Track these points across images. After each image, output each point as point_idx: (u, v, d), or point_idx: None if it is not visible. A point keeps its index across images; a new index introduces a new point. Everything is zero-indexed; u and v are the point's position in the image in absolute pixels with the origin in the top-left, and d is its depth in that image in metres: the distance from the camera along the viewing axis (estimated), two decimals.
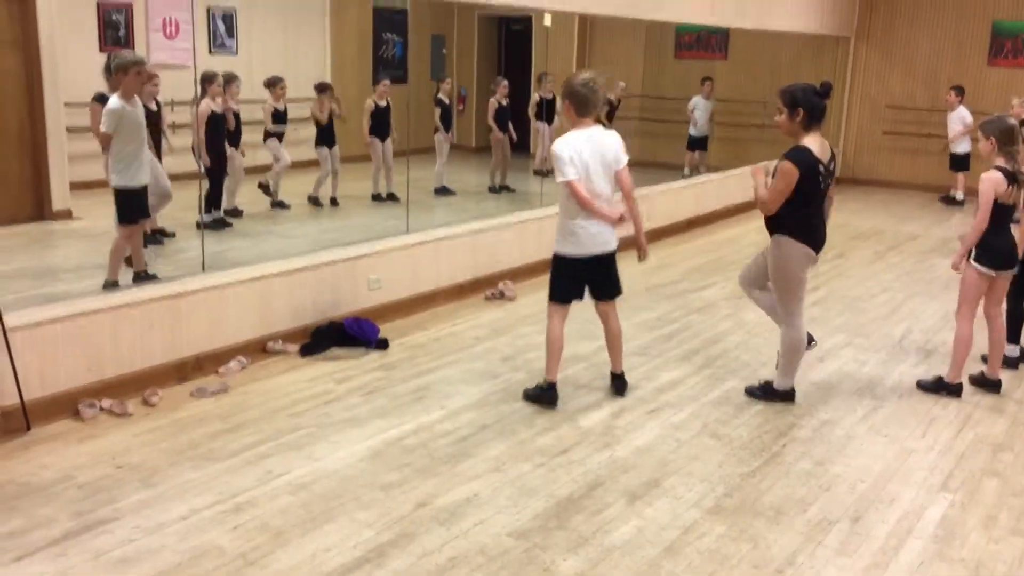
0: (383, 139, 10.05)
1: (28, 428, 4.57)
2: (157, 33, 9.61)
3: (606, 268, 5.06)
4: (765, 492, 4.16)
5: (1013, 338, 5.89)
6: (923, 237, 10.36)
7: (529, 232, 7.93)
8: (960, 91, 12.08)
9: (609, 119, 11.67)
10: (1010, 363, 5.87)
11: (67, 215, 7.86)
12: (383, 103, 10.04)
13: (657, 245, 9.78)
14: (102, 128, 5.79)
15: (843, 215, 11.67)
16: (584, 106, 4.79)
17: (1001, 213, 5.21)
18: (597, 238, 4.93)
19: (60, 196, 7.85)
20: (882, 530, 3.86)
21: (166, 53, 9.50)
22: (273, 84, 9.26)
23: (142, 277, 5.92)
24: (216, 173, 8.20)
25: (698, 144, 12.36)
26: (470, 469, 4.30)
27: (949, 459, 4.57)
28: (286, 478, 4.15)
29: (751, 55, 13.00)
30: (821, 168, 4.80)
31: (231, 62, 9.91)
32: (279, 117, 9.29)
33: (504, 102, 11.02)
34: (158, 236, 7.21)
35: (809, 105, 4.76)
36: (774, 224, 4.95)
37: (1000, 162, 5.19)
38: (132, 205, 5.95)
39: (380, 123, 10.02)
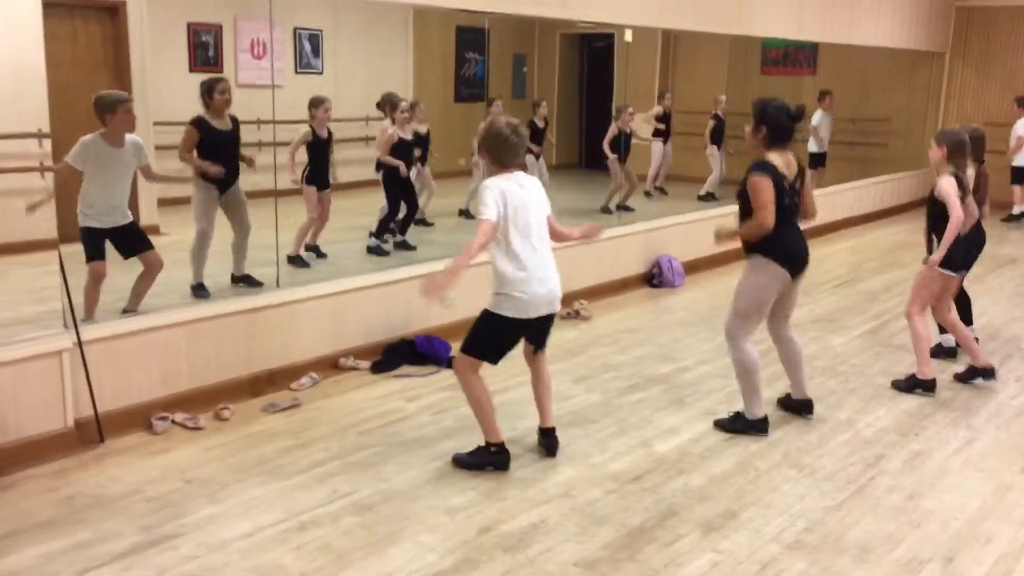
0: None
1: (102, 440, 4.62)
2: (245, 54, 9.84)
3: (547, 324, 4.61)
4: (850, 527, 3.93)
5: (966, 322, 6.14)
6: (1021, 260, 9.88)
7: (606, 252, 7.80)
8: (1022, 102, 11.51)
9: (719, 138, 11.41)
10: (949, 352, 6.20)
11: (155, 231, 8.01)
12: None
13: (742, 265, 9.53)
14: (67, 158, 5.26)
15: None
16: (511, 156, 4.29)
17: None
18: (546, 287, 4.46)
19: (148, 212, 8.00)
20: (978, 572, 3.60)
21: (253, 73, 9.72)
22: (412, 107, 8.88)
23: (89, 319, 5.28)
24: (395, 199, 8.18)
25: (820, 161, 11.74)
26: (539, 494, 4.18)
27: None
28: (352, 498, 4.09)
29: (841, 71, 12.61)
30: (786, 184, 4.68)
31: (317, 82, 10.04)
32: (418, 140, 8.95)
33: (541, 124, 10.62)
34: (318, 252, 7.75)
35: (774, 124, 4.68)
36: (751, 243, 4.76)
37: (950, 170, 5.45)
38: (97, 245, 5.53)
39: None
